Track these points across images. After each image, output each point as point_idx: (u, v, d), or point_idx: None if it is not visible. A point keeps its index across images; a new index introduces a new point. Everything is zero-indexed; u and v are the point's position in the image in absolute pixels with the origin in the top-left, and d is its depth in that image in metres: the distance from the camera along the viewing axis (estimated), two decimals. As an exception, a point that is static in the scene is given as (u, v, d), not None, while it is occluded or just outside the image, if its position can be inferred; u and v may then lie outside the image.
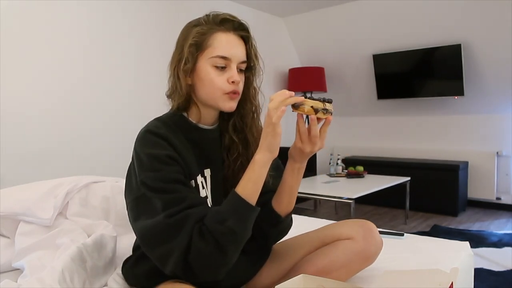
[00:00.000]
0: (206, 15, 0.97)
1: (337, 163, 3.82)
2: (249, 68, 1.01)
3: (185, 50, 0.93)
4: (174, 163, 0.89)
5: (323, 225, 1.19)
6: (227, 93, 0.95)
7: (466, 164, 4.02)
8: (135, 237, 1.01)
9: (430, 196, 3.93)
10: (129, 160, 0.96)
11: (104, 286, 1.17)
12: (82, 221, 1.43)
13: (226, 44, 0.94)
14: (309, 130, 0.92)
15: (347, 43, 4.42)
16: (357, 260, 1.05)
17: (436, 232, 3.20)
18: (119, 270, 1.16)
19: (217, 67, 0.94)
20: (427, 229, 3.34)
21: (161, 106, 1.05)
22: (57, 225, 1.37)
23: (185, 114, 1.00)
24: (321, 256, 1.06)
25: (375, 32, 4.17)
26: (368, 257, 1.06)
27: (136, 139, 0.93)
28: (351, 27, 4.26)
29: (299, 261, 1.10)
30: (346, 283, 0.94)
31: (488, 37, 3.61)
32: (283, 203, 1.03)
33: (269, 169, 0.92)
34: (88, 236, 1.30)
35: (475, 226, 3.44)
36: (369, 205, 4.29)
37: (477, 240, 2.93)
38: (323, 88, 4.41)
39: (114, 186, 1.58)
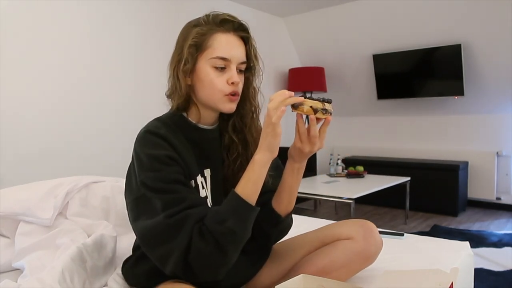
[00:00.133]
0: (206, 15, 0.97)
1: (337, 163, 3.82)
2: (248, 68, 1.01)
3: (184, 50, 0.93)
4: (174, 163, 0.89)
5: (323, 225, 1.19)
6: (227, 95, 0.95)
7: (466, 164, 4.02)
8: (135, 237, 1.02)
9: (430, 196, 3.93)
10: (129, 160, 0.96)
11: (104, 286, 1.17)
12: (82, 221, 1.43)
13: (226, 45, 0.93)
14: (308, 130, 0.92)
15: (347, 43, 4.42)
16: (357, 260, 1.05)
17: (436, 232, 3.20)
18: (119, 270, 1.16)
19: (216, 68, 0.94)
20: (427, 229, 3.34)
21: (161, 106, 1.05)
22: (57, 225, 1.37)
23: (184, 114, 1.00)
24: (321, 256, 1.06)
25: (375, 32, 4.17)
26: (368, 257, 1.06)
27: (136, 139, 0.93)
28: (351, 27, 4.27)
29: (299, 261, 1.10)
30: (346, 283, 0.94)
31: (488, 37, 3.61)
32: (283, 203, 1.03)
33: (269, 169, 0.92)
34: (88, 236, 1.30)
35: (475, 226, 3.44)
36: (369, 205, 4.29)
37: (477, 240, 2.93)
38: (323, 88, 4.41)
39: (114, 186, 1.58)
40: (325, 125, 0.93)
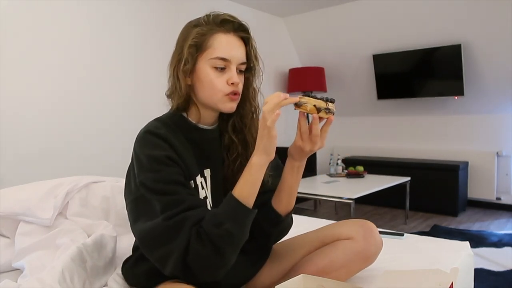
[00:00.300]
0: (206, 15, 0.97)
1: (337, 163, 3.82)
2: (248, 69, 1.00)
3: (184, 50, 0.93)
4: (174, 164, 0.89)
5: (323, 225, 1.19)
6: (227, 95, 0.95)
7: (466, 164, 4.02)
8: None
9: (430, 196, 3.93)
10: (129, 160, 0.96)
11: (104, 286, 1.17)
12: (82, 221, 1.43)
13: (226, 46, 0.93)
14: (310, 129, 0.92)
15: (347, 43, 4.42)
16: (357, 260, 1.05)
17: (436, 232, 3.20)
18: (119, 270, 1.16)
19: (216, 68, 0.94)
20: (427, 229, 3.34)
21: (161, 106, 1.05)
22: (57, 225, 1.37)
23: (184, 114, 1.00)
24: (321, 256, 1.06)
25: (375, 32, 4.17)
26: (368, 257, 1.06)
27: (136, 139, 0.93)
28: (351, 27, 4.26)
29: (299, 261, 1.10)
30: (346, 283, 0.94)
31: (488, 37, 3.61)
32: (283, 202, 1.03)
33: (269, 168, 0.92)
34: (88, 236, 1.30)
35: (475, 226, 3.44)
36: (369, 205, 4.29)
37: (477, 240, 2.93)
38: (323, 88, 4.41)
39: (114, 186, 1.58)
40: (327, 125, 0.93)
